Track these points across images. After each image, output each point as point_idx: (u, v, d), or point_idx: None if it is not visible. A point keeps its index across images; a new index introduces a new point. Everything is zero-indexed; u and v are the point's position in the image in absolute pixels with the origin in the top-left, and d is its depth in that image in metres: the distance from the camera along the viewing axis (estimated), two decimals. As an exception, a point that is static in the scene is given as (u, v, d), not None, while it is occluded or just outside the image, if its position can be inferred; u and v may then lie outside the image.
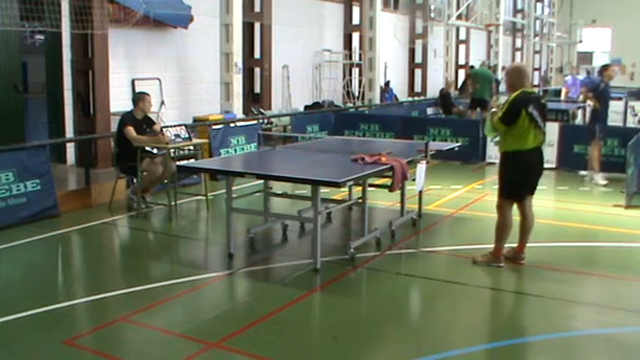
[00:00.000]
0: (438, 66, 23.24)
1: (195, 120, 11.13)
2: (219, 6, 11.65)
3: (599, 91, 10.22)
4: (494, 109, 6.23)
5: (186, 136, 8.65)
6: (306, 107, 16.23)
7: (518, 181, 6.13)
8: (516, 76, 6.15)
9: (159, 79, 11.96)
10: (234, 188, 6.58)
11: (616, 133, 11.11)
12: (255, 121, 12.33)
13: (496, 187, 10.33)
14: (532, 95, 6.13)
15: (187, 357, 4.34)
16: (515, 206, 6.23)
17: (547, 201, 9.56)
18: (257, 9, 14.87)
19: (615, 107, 14.95)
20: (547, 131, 11.65)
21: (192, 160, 8.64)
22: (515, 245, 6.30)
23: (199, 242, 7.53)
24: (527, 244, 6.28)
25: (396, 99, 20.01)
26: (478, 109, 15.59)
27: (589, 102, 10.63)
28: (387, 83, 20.07)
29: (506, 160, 6.15)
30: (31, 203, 7.71)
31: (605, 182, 10.14)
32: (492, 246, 6.23)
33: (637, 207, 8.69)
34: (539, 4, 34.12)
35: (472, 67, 24.50)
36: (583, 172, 11.00)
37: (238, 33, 11.86)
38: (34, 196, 7.76)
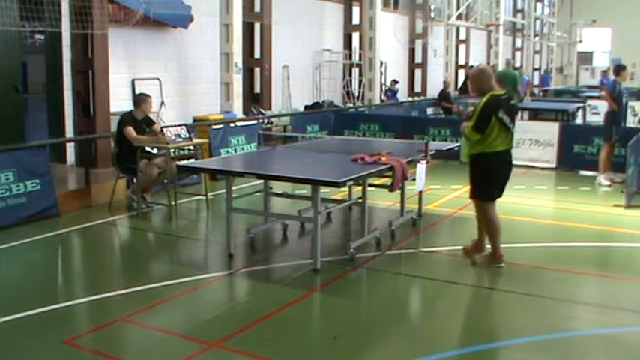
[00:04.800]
0: (438, 66, 23.26)
1: (195, 120, 11.13)
2: (219, 6, 11.66)
3: (617, 93, 10.21)
4: (467, 125, 6.07)
5: (187, 136, 8.65)
6: (306, 107, 16.24)
7: (488, 182, 6.10)
8: (483, 79, 6.04)
9: (159, 79, 11.96)
10: (234, 188, 6.58)
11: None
12: (255, 121, 12.33)
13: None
14: (502, 98, 5.96)
15: (187, 357, 4.34)
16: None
17: (547, 201, 9.57)
18: (257, 9, 14.87)
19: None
20: (547, 131, 11.93)
21: (192, 160, 8.63)
22: (476, 240, 6.37)
23: (199, 242, 7.53)
24: (528, 244, 6.28)
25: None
26: None
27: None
28: (394, 81, 20.06)
29: (475, 163, 6.11)
30: (31, 203, 7.71)
31: (608, 183, 10.13)
32: (488, 246, 6.24)
33: (637, 207, 8.69)
34: (539, 4, 34.16)
35: (472, 67, 24.53)
36: (583, 173, 11.01)
37: (238, 33, 11.87)
38: (34, 196, 7.76)
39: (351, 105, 17.46)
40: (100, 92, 10.32)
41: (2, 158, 7.61)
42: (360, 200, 7.23)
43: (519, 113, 15.33)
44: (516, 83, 14.58)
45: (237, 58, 11.82)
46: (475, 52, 26.85)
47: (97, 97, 10.33)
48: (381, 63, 19.25)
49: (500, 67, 24.82)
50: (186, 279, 5.80)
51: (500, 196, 6.23)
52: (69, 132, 10.50)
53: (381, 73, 19.35)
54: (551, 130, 11.91)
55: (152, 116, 8.85)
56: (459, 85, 23.78)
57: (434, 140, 11.59)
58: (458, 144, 8.89)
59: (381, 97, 18.99)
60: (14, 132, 9.64)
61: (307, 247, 6.60)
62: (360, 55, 18.24)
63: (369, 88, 17.73)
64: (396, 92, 19.87)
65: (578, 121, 17.48)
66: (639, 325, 5.04)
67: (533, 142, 11.88)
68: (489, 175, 6.08)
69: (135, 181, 8.38)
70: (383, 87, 19.65)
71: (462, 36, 26.01)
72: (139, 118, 8.35)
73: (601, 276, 6.22)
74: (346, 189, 8.07)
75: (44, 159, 8.02)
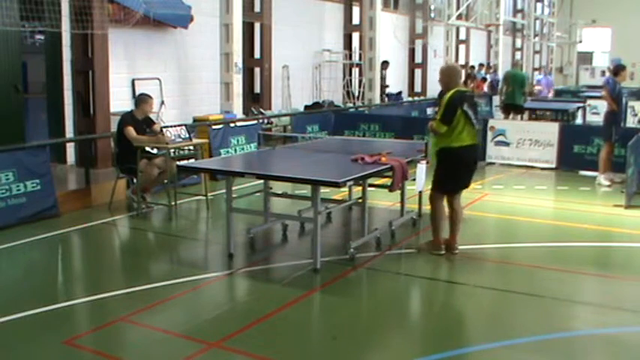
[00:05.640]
0: (438, 66, 23.16)
1: (195, 120, 11.13)
2: (219, 6, 11.66)
3: (617, 93, 10.23)
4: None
5: (187, 136, 8.65)
6: (306, 107, 16.23)
7: (452, 176, 6.30)
8: (451, 75, 6.36)
9: (159, 79, 11.96)
10: (234, 188, 6.58)
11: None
12: (255, 121, 12.33)
13: (496, 186, 10.37)
14: (466, 94, 6.31)
15: (187, 357, 4.34)
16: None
17: (547, 201, 9.58)
18: (257, 9, 14.87)
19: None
20: (547, 131, 11.95)
21: (192, 160, 8.63)
22: (449, 237, 6.52)
23: (199, 242, 7.53)
24: (528, 244, 6.29)
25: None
26: (511, 115, 14.48)
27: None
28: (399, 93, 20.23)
29: (442, 157, 6.28)
30: (31, 203, 7.70)
31: (608, 183, 10.13)
32: (488, 246, 6.29)
33: (637, 207, 8.69)
34: (539, 4, 34.16)
35: (472, 67, 24.55)
36: (584, 172, 11.01)
37: (238, 33, 11.87)
38: (34, 196, 7.75)
39: (351, 105, 17.45)
40: (100, 92, 10.33)
41: (2, 158, 7.60)
42: (360, 200, 7.23)
43: (525, 113, 15.44)
44: (524, 84, 14.67)
45: (237, 58, 11.82)
46: (475, 52, 26.84)
47: (97, 97, 10.34)
48: (388, 63, 19.23)
49: (502, 67, 24.88)
50: (186, 279, 5.80)
51: (467, 186, 6.48)
52: (69, 132, 10.50)
53: (383, 75, 19.34)
54: (551, 130, 11.91)
55: (152, 116, 8.86)
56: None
57: (434, 140, 11.56)
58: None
59: (382, 98, 18.97)
60: (14, 132, 9.63)
61: (307, 247, 6.60)
62: (360, 55, 18.23)
63: (369, 88, 17.72)
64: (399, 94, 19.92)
65: (578, 121, 17.48)
66: (639, 325, 5.04)
67: (533, 142, 11.88)
68: (454, 168, 6.27)
69: (135, 181, 8.38)
70: (385, 89, 19.61)
71: (462, 36, 26.00)
72: (139, 118, 8.35)
73: (601, 276, 6.22)
74: (346, 189, 8.06)
75: (44, 159, 8.02)
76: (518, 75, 14.79)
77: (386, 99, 19.25)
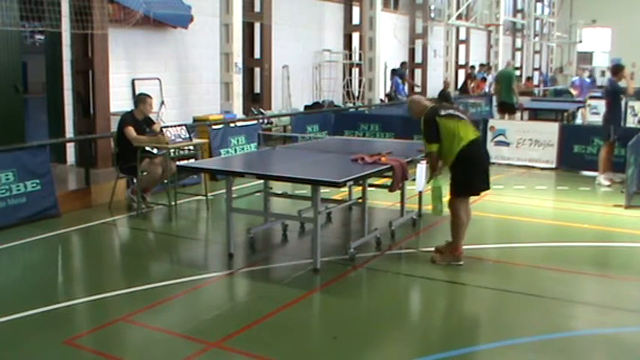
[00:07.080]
0: (438, 66, 23.24)
1: (195, 120, 11.13)
2: (219, 6, 11.66)
3: (616, 92, 10.23)
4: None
5: (187, 136, 8.65)
6: (306, 107, 16.23)
7: (467, 177, 6.11)
8: (415, 106, 6.43)
9: (159, 79, 11.96)
10: (234, 188, 6.58)
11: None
12: (255, 121, 12.33)
13: (496, 186, 10.38)
14: (435, 106, 6.29)
15: (187, 357, 4.34)
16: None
17: (547, 201, 9.58)
18: (257, 9, 14.87)
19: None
20: (547, 131, 11.95)
21: (192, 160, 8.64)
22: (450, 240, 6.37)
23: (199, 242, 7.53)
24: (528, 244, 6.29)
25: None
26: (506, 115, 14.49)
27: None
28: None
29: (457, 161, 6.07)
30: (31, 203, 7.70)
31: (608, 183, 10.13)
32: (489, 246, 6.26)
33: (637, 207, 8.68)
34: (539, 4, 34.14)
35: (472, 67, 24.54)
36: (585, 173, 11.02)
37: (238, 33, 11.87)
38: (34, 196, 7.75)
39: (351, 105, 17.45)
40: (100, 92, 10.32)
41: (2, 158, 7.60)
42: (360, 200, 7.23)
43: (520, 113, 15.44)
44: (511, 81, 14.80)
45: (237, 58, 11.82)
46: (475, 52, 26.83)
47: (97, 97, 10.34)
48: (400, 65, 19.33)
49: (501, 67, 24.85)
50: (186, 279, 5.80)
51: (487, 188, 6.28)
52: (69, 132, 10.50)
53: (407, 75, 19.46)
54: (551, 130, 11.91)
55: (152, 116, 8.86)
56: (459, 85, 23.77)
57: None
58: None
59: (388, 94, 18.92)
60: (14, 132, 9.63)
61: (307, 247, 6.60)
62: (360, 55, 18.23)
63: (369, 88, 17.72)
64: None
65: (578, 121, 17.47)
66: (639, 325, 5.04)
67: (533, 142, 11.88)
68: (472, 165, 6.06)
69: (135, 181, 8.38)
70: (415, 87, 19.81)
71: (462, 36, 25.98)
72: (139, 118, 8.35)
73: (601, 276, 6.22)
74: (346, 189, 8.07)
75: (44, 159, 8.02)
76: (504, 73, 15.11)
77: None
